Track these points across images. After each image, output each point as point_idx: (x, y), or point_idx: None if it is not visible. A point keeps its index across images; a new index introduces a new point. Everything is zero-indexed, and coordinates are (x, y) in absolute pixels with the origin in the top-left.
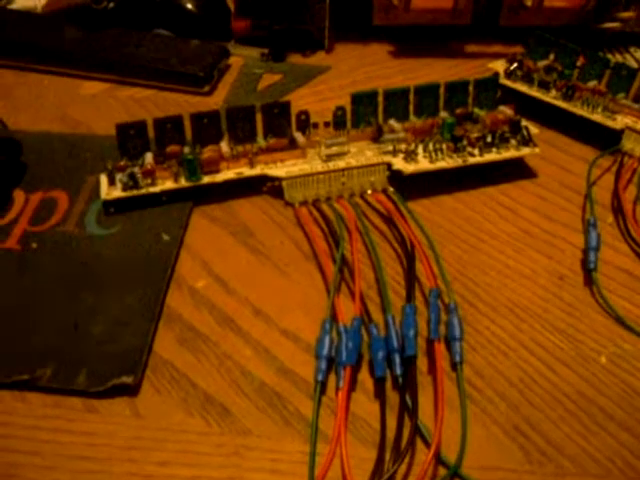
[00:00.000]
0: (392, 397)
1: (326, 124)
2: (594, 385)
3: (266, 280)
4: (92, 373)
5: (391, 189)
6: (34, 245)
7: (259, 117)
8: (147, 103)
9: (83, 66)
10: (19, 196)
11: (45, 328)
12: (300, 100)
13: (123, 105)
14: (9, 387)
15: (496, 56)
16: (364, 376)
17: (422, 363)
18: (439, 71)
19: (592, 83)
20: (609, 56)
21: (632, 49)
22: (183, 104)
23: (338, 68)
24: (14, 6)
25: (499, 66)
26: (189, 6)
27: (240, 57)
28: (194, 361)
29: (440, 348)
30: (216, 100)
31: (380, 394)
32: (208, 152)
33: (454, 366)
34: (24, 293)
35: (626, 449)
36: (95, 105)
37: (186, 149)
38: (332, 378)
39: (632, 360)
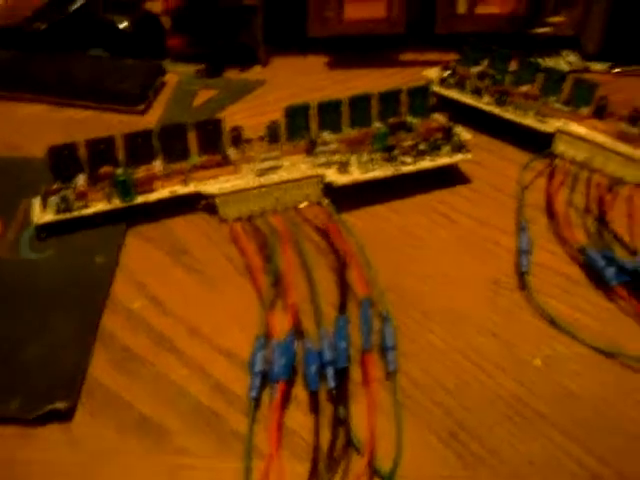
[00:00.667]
0: (327, 410)
1: (260, 139)
2: (529, 388)
3: (201, 298)
4: (25, 399)
5: (325, 201)
6: None
7: (192, 134)
8: (86, 124)
9: (19, 88)
10: None
11: None
12: (236, 115)
13: (62, 127)
14: None
15: (432, 64)
16: (299, 390)
17: (358, 374)
18: (375, 81)
19: (524, 87)
20: (542, 60)
21: (564, 52)
22: (120, 124)
23: (274, 81)
24: None
25: (433, 74)
26: (122, 25)
27: (176, 74)
28: (129, 383)
29: (371, 359)
30: (151, 119)
31: (315, 408)
32: (141, 172)
33: (389, 375)
34: None
35: (563, 452)
36: (33, 128)
37: (119, 170)
38: (267, 394)
39: (566, 362)
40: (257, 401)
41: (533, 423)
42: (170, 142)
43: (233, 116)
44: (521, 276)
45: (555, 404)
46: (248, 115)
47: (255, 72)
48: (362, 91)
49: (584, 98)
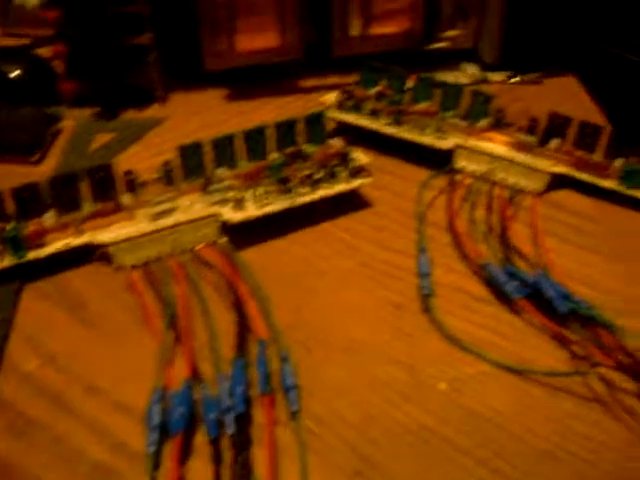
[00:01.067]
0: (229, 457)
1: (155, 181)
2: (435, 414)
3: (99, 353)
4: None
5: (222, 240)
6: None
7: (84, 182)
8: None
9: None
10: None
11: None
12: (134, 157)
13: None
14: None
15: (332, 88)
16: (202, 439)
17: (260, 416)
18: (276, 110)
19: (422, 105)
20: (442, 75)
21: (464, 65)
22: (14, 175)
23: (173, 119)
24: None
25: (331, 98)
26: (13, 74)
27: (71, 120)
28: (25, 448)
29: (269, 401)
30: (46, 168)
31: (216, 456)
32: (32, 225)
33: (292, 415)
34: None
35: (472, 476)
36: None
37: (9, 225)
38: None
39: (472, 383)
40: (157, 456)
41: (441, 451)
42: (61, 192)
43: (131, 158)
44: (424, 298)
45: (463, 428)
46: (147, 156)
47: (154, 110)
48: (261, 122)
49: (481, 110)
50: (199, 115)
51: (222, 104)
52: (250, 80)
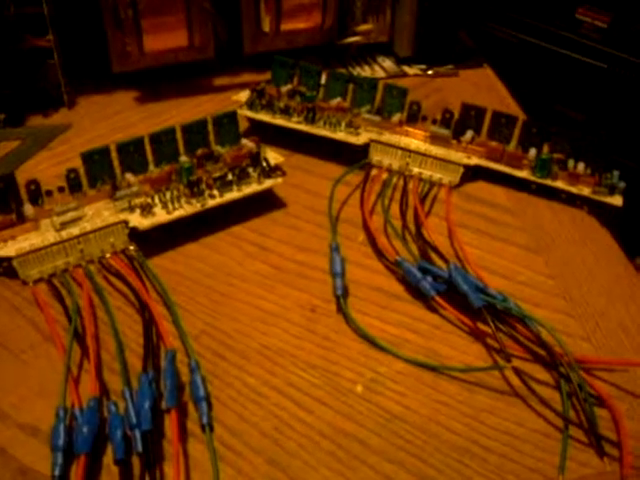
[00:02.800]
0: (139, 474)
1: (60, 189)
2: (351, 417)
3: (3, 373)
4: None
5: (131, 247)
6: None
7: None
8: None
9: None
10: None
11: None
12: (40, 165)
13: None
14: None
15: (245, 86)
16: (110, 458)
17: (171, 431)
18: (187, 110)
19: (335, 101)
20: (359, 70)
21: (380, 59)
22: None
23: (80, 124)
24: None
25: (244, 97)
26: None
27: None
28: None
29: (175, 415)
30: None
31: (126, 475)
32: None
33: (203, 428)
34: None
35: (388, 479)
36: None
37: None
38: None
39: (387, 382)
40: (62, 479)
41: (358, 455)
42: None
43: (37, 166)
44: (338, 299)
45: (379, 430)
46: (54, 163)
47: (61, 115)
48: (175, 123)
49: (396, 105)
50: (108, 119)
51: (133, 106)
52: (161, 81)
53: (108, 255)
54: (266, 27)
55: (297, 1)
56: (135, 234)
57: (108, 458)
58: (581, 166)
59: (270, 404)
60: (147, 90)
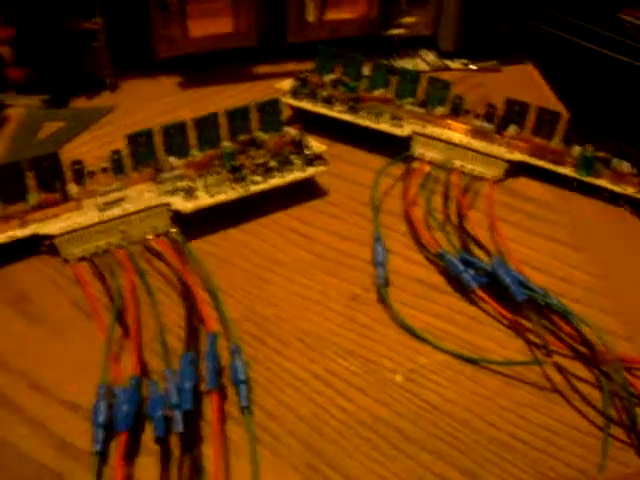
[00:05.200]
0: (178, 454)
1: (104, 170)
2: (390, 407)
3: (44, 348)
4: None
5: (173, 230)
6: None
7: (29, 172)
8: None
9: None
10: None
11: None
12: (83, 146)
13: None
14: None
15: (288, 75)
16: (150, 437)
17: (209, 412)
18: (229, 97)
19: (379, 92)
20: (400, 62)
21: (422, 52)
22: None
23: (124, 107)
24: None
25: (287, 85)
26: None
27: (20, 107)
28: None
29: (217, 397)
30: None
31: (165, 454)
32: None
33: (242, 410)
34: None
35: (426, 469)
36: None
37: None
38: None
39: (427, 374)
40: (102, 455)
41: (396, 445)
42: (5, 183)
43: (81, 147)
44: (379, 289)
45: (418, 421)
46: (97, 145)
47: (104, 98)
48: (218, 109)
49: (439, 98)
50: (151, 103)
51: (175, 92)
52: (203, 67)
53: (150, 237)
54: (310, 16)
55: None
56: (177, 217)
57: (146, 436)
58: (625, 165)
59: (309, 390)
60: (189, 76)
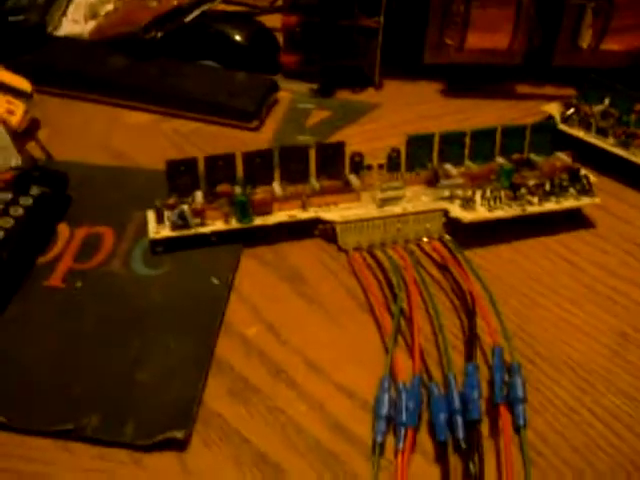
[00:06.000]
0: (453, 461)
1: (380, 166)
2: None
3: (319, 329)
4: (140, 424)
5: (447, 237)
6: (79, 284)
7: (312, 157)
8: (193, 136)
9: (128, 96)
10: (64, 230)
11: (90, 374)
12: (350, 139)
13: (168, 137)
14: (53, 436)
15: (548, 98)
16: (423, 437)
17: (483, 425)
18: (489, 112)
19: None
20: None
21: None
22: (230, 139)
23: (387, 106)
24: (60, 32)
25: (553, 109)
26: (238, 38)
27: (288, 92)
28: (246, 415)
29: (506, 413)
30: (264, 136)
31: (441, 457)
32: (260, 193)
33: (517, 430)
34: (68, 335)
35: None
36: (139, 136)
37: (237, 189)
38: (389, 439)
39: None
40: (382, 446)
41: None
42: (289, 164)
43: (348, 139)
44: None
45: None
46: (364, 139)
47: (368, 95)
48: (477, 123)
49: None
50: (414, 106)
51: (437, 98)
52: (465, 78)
53: (425, 239)
54: (584, 43)
55: (625, 21)
56: (450, 225)
57: (421, 436)
58: None
59: (580, 420)
60: (452, 85)
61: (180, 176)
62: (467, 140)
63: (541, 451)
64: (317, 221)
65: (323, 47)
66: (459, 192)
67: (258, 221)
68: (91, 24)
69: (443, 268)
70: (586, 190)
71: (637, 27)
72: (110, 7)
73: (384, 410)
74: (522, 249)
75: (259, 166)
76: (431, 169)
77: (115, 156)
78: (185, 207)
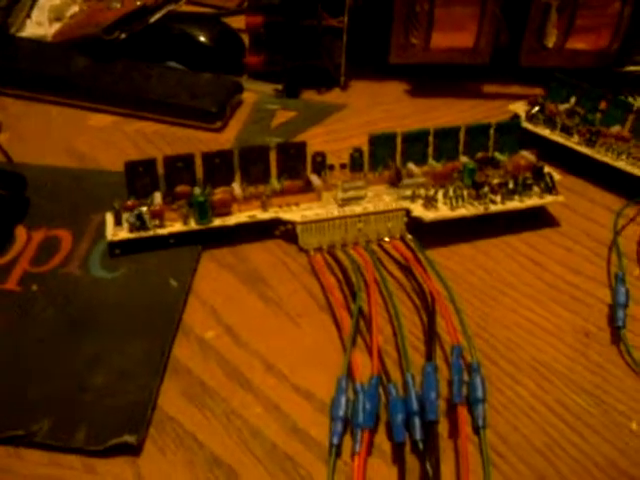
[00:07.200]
0: (411, 462)
1: (342, 166)
2: (626, 454)
3: (278, 331)
4: (92, 429)
5: (409, 236)
6: (34, 287)
7: (273, 157)
8: (156, 138)
9: (91, 98)
10: (21, 233)
11: (43, 378)
12: (314, 139)
13: (131, 139)
14: (3, 442)
15: (514, 97)
16: (381, 438)
17: (442, 426)
18: (456, 112)
19: (615, 128)
20: (631, 99)
21: None
22: (193, 140)
23: (353, 106)
24: (24, 34)
25: (519, 108)
26: (202, 39)
27: (252, 92)
28: (201, 419)
29: (464, 412)
30: (228, 137)
31: (399, 459)
32: (220, 194)
33: (476, 430)
34: (22, 339)
35: None
36: (102, 138)
37: (196, 190)
38: (347, 440)
39: None
40: (338, 448)
41: None
42: (250, 164)
43: (312, 140)
44: (616, 330)
45: None
46: (328, 140)
47: (333, 95)
48: (444, 122)
49: None
50: (379, 106)
51: (401, 98)
52: (431, 78)
53: (387, 239)
54: (550, 43)
55: (589, 21)
56: (413, 224)
57: (378, 438)
58: None
59: (541, 420)
60: (419, 85)
61: (139, 177)
62: (430, 139)
63: (502, 452)
64: (278, 222)
65: (287, 47)
66: (421, 191)
67: (217, 222)
68: (55, 26)
69: (404, 268)
70: (550, 188)
71: (603, 26)
72: (75, 9)
73: (341, 411)
74: (485, 248)
75: (219, 167)
76: (394, 168)
77: (77, 158)
78: (143, 209)
